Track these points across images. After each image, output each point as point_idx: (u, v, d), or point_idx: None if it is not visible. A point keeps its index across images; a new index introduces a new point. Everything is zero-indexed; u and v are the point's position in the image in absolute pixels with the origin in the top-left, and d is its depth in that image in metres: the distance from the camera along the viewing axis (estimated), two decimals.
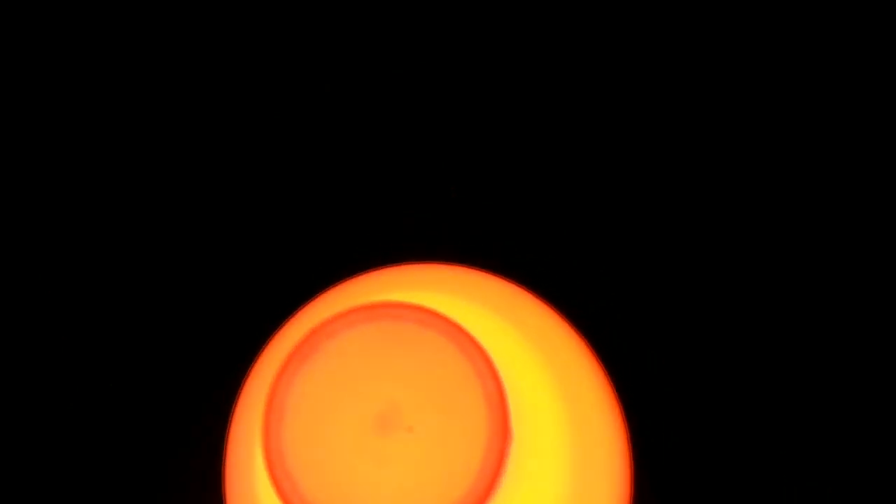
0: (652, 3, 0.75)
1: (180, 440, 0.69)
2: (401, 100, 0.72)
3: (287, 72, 0.69)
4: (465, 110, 0.73)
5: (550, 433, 0.55)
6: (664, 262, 0.72)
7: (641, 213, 0.73)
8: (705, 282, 0.71)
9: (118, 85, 0.72)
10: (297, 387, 0.51)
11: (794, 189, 0.72)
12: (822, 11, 0.75)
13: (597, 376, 0.59)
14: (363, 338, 0.51)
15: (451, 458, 0.50)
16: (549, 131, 0.72)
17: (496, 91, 0.73)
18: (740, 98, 0.73)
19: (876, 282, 0.70)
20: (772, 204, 0.72)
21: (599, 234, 0.72)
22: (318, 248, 0.71)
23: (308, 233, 0.71)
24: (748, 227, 0.72)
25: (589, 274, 0.72)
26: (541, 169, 0.74)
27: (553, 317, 0.61)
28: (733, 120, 0.73)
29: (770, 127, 0.73)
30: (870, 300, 0.70)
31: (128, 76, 0.72)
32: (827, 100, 0.72)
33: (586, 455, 0.56)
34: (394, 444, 0.50)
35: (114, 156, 0.70)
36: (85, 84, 0.71)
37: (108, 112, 0.72)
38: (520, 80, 0.73)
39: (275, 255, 0.72)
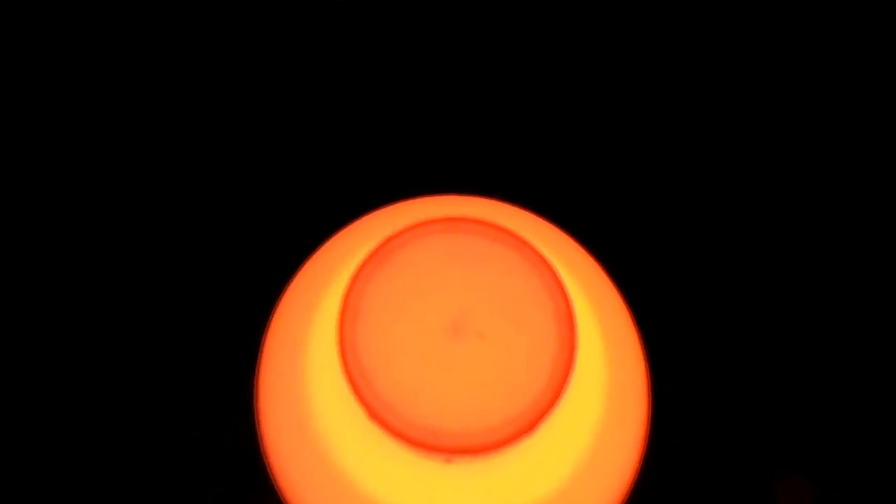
0: None
1: (216, 353, 0.69)
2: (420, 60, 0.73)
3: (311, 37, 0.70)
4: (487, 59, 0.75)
5: (595, 354, 0.57)
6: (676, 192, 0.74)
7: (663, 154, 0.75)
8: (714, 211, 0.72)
9: (124, 81, 0.72)
10: (371, 289, 0.53)
11: (803, 125, 0.74)
12: (823, 11, 0.78)
13: (622, 312, 0.62)
14: (436, 248, 0.53)
15: (520, 367, 0.52)
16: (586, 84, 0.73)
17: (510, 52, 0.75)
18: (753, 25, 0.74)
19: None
20: (785, 144, 0.74)
21: (625, 173, 0.73)
22: (358, 178, 0.72)
23: (353, 161, 0.71)
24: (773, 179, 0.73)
25: (605, 205, 0.73)
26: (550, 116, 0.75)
27: (582, 252, 0.63)
28: (752, 55, 0.75)
29: (779, 61, 0.75)
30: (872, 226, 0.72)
31: (137, 72, 0.73)
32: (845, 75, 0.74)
33: (618, 374, 0.58)
34: (465, 350, 0.52)
35: (130, 130, 0.71)
36: (88, 78, 0.72)
37: (117, 102, 0.72)
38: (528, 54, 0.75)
39: (313, 184, 0.73)
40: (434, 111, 0.73)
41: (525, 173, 0.74)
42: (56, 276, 0.68)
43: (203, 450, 0.66)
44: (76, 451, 0.64)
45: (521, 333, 0.52)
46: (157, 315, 0.68)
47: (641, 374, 0.60)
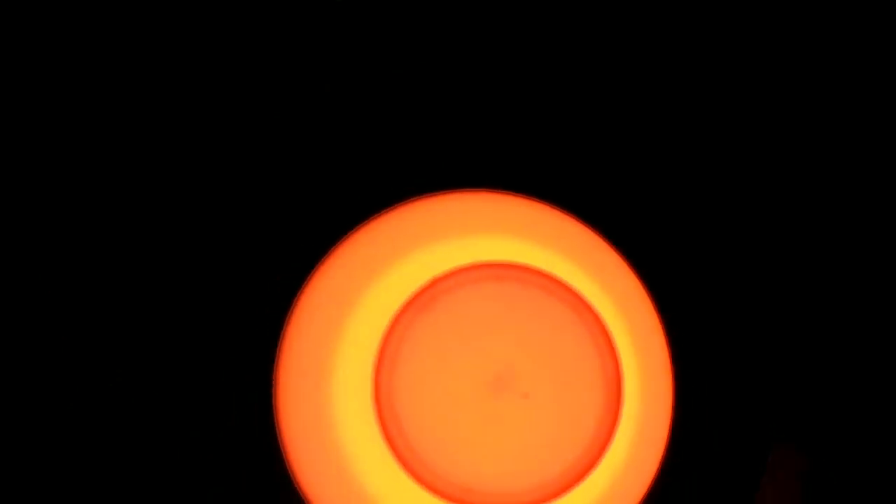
0: None
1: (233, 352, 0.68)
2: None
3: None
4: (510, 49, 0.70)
5: (634, 391, 0.55)
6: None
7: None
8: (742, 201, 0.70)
9: (125, 81, 0.69)
10: (410, 337, 0.50)
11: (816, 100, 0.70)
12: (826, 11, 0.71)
13: (649, 307, 0.58)
14: (485, 296, 0.51)
15: (559, 432, 0.50)
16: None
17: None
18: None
19: None
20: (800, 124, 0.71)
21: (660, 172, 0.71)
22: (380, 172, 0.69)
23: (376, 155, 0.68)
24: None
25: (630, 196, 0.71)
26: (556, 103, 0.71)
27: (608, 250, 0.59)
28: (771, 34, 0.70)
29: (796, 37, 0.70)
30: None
31: (138, 72, 0.69)
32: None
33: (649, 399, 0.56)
34: (506, 408, 0.50)
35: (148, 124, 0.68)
36: (89, 79, 0.68)
37: (118, 101, 0.69)
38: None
39: (332, 181, 0.69)
40: (451, 106, 0.69)
41: (562, 170, 0.70)
42: (68, 277, 0.67)
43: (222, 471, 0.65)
44: (82, 454, 0.64)
45: (564, 396, 0.50)
46: (178, 315, 0.67)
47: (667, 404, 0.57)
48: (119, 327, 0.66)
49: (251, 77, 0.68)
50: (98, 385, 0.65)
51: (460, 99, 0.67)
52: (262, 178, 0.65)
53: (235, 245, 0.65)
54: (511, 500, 0.50)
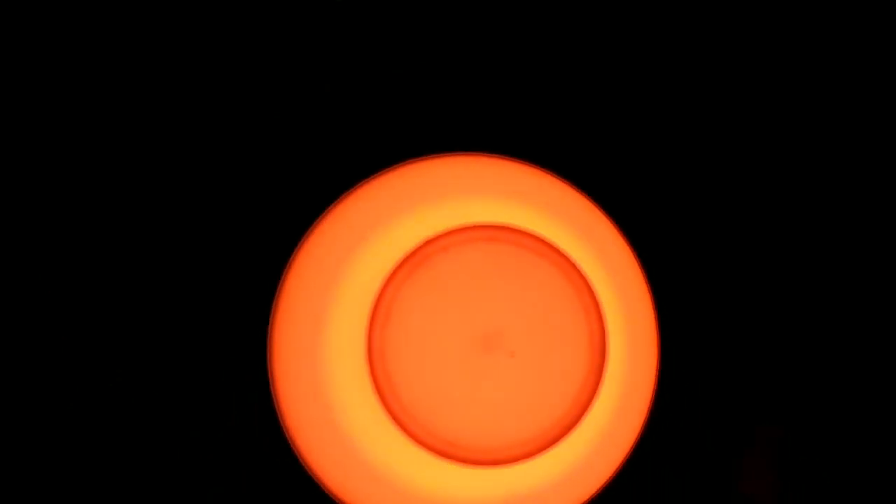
0: None
1: (230, 311, 0.69)
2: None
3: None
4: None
5: (620, 354, 0.55)
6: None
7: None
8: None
9: (125, 81, 0.69)
10: (403, 295, 0.52)
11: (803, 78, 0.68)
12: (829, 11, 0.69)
13: (636, 271, 0.58)
14: (477, 257, 0.52)
15: (544, 390, 0.51)
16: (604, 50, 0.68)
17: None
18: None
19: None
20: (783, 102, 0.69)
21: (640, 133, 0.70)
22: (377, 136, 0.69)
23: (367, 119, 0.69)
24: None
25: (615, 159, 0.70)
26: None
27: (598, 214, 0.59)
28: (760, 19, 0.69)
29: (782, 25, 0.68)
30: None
31: (136, 72, 0.70)
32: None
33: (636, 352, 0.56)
34: (494, 366, 0.52)
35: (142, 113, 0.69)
36: (89, 79, 0.69)
37: (120, 101, 0.69)
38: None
39: (326, 145, 0.70)
40: (454, 72, 0.69)
41: (560, 138, 0.69)
42: (56, 263, 0.68)
43: (219, 427, 0.66)
44: (77, 443, 0.66)
45: (550, 355, 0.51)
46: (177, 276, 0.68)
47: (651, 369, 0.57)
48: (109, 283, 0.68)
49: (251, 68, 0.69)
50: (93, 365, 0.68)
51: (463, 65, 0.67)
52: (261, 141, 0.67)
53: (233, 208, 0.67)
54: (495, 455, 0.51)
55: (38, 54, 0.72)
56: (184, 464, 0.64)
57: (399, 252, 0.53)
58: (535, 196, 0.53)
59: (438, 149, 0.56)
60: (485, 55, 0.68)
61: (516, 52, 0.67)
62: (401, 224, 0.53)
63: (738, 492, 0.64)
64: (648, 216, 0.66)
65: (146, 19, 0.71)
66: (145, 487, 0.65)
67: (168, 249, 0.66)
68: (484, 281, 0.52)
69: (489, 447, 0.51)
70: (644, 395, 0.53)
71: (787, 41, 0.69)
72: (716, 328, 0.64)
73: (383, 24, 0.69)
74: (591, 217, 0.54)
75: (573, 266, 0.51)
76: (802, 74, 0.70)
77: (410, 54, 0.67)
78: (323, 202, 0.55)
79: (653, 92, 0.68)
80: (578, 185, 0.54)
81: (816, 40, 0.70)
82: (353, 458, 0.54)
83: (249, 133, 0.67)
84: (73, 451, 0.67)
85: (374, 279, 0.53)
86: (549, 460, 0.52)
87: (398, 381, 0.52)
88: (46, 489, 0.67)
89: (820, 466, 0.64)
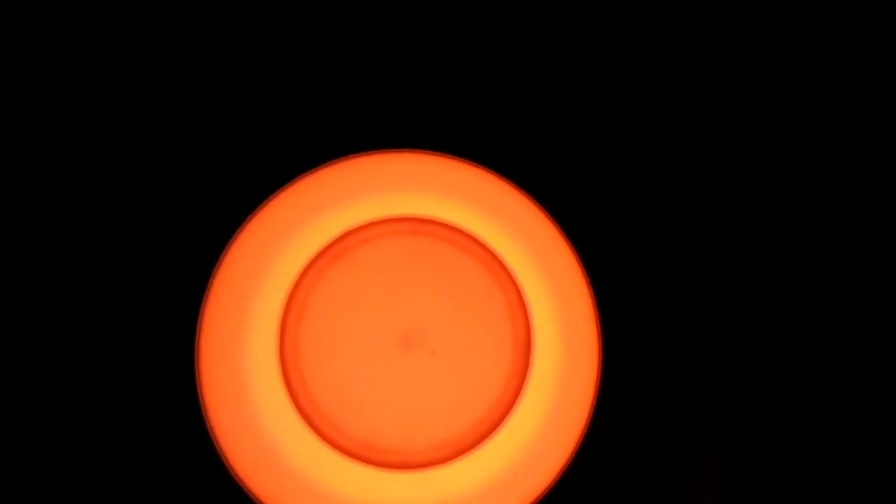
0: None
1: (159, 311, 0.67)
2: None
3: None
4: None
5: (548, 347, 0.53)
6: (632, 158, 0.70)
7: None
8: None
9: (125, 80, 0.68)
10: (320, 288, 0.49)
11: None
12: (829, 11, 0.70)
13: (575, 267, 0.56)
14: (398, 251, 0.50)
15: (466, 390, 0.49)
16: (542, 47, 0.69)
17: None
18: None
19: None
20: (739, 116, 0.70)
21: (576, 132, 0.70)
22: (302, 135, 0.68)
23: (296, 119, 0.68)
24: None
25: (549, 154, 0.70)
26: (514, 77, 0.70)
27: (536, 213, 0.58)
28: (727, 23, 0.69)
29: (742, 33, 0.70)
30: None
31: (134, 72, 0.68)
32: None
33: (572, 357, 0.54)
34: (413, 365, 0.49)
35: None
36: (91, 78, 0.68)
37: (121, 101, 0.68)
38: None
39: (257, 142, 0.69)
40: (374, 73, 0.68)
41: (494, 134, 0.69)
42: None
43: (145, 419, 0.64)
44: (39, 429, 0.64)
45: (473, 354, 0.49)
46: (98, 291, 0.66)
47: (592, 366, 0.56)
48: (41, 281, 0.65)
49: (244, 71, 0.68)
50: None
51: (382, 66, 0.66)
52: (190, 143, 0.65)
53: (162, 205, 0.64)
54: (413, 459, 0.49)
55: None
56: (97, 460, 0.61)
57: (319, 244, 0.50)
58: (473, 194, 0.52)
59: (377, 146, 0.54)
60: (428, 54, 0.66)
61: (461, 53, 0.66)
62: (328, 217, 0.50)
63: None
64: (593, 218, 0.65)
65: (135, 17, 0.69)
66: (69, 489, 0.61)
67: (95, 241, 0.63)
68: (405, 275, 0.50)
69: (407, 450, 0.49)
70: (582, 402, 0.51)
71: (737, 34, 0.69)
72: (664, 338, 0.63)
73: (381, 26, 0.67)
74: (531, 217, 0.52)
75: (498, 261, 0.49)
76: (746, 63, 0.69)
77: (356, 53, 0.66)
78: (255, 201, 0.53)
79: (594, 89, 0.67)
80: (520, 185, 0.53)
81: (777, 35, 0.70)
82: (274, 461, 0.51)
83: (181, 130, 0.65)
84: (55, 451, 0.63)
85: (293, 272, 0.50)
86: (477, 466, 0.50)
87: (311, 380, 0.49)
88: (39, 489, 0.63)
89: (769, 492, 0.64)
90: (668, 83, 0.68)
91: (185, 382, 0.53)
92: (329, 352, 0.49)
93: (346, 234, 0.50)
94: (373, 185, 0.52)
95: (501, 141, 0.67)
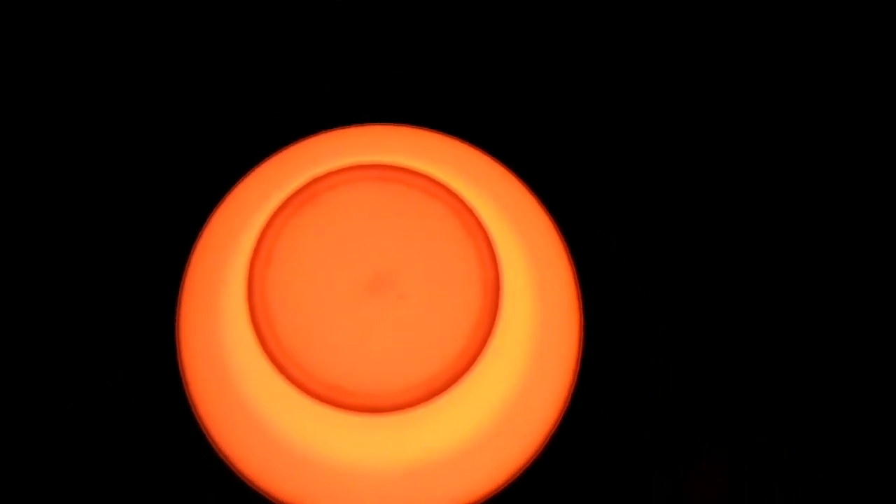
0: None
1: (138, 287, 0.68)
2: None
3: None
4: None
5: (523, 304, 0.54)
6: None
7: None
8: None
9: (124, 80, 0.70)
10: (288, 233, 0.50)
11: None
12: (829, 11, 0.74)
13: (554, 239, 0.57)
14: (365, 196, 0.50)
15: (435, 332, 0.49)
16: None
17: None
18: None
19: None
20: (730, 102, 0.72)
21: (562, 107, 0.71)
22: (287, 108, 0.69)
23: (279, 92, 0.69)
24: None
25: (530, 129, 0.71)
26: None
27: (517, 185, 0.59)
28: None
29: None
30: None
31: (132, 72, 0.71)
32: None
33: (546, 318, 0.55)
34: (383, 309, 0.49)
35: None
36: (94, 76, 0.70)
37: (120, 100, 0.70)
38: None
39: (240, 113, 0.70)
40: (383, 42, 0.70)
41: (472, 107, 0.70)
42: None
43: (126, 387, 0.65)
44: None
45: (442, 298, 0.49)
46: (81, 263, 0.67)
47: (573, 320, 0.56)
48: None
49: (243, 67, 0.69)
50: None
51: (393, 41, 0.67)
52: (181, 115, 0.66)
53: (154, 166, 0.65)
54: (383, 401, 0.49)
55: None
56: (70, 423, 0.60)
57: (287, 193, 0.50)
58: (448, 158, 0.53)
59: (341, 121, 0.55)
60: (414, 36, 0.68)
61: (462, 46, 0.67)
62: (301, 177, 0.51)
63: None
64: (591, 218, 0.66)
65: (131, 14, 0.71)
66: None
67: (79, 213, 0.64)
68: (373, 221, 0.50)
69: (377, 392, 0.49)
70: (567, 354, 0.51)
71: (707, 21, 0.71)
72: (664, 337, 0.63)
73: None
74: (514, 192, 0.53)
75: (466, 207, 0.50)
76: (749, 58, 0.71)
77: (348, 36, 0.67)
78: (241, 171, 0.54)
79: (575, 62, 0.68)
80: (505, 161, 0.54)
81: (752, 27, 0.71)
82: (244, 411, 0.51)
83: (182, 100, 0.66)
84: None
85: (261, 220, 0.50)
86: (451, 411, 0.50)
87: (279, 324, 0.49)
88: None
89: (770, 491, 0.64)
90: (668, 70, 0.69)
91: (166, 341, 0.53)
92: (298, 298, 0.49)
93: (314, 181, 0.50)
94: (349, 152, 0.53)
95: (506, 133, 0.68)
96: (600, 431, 0.65)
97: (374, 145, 0.55)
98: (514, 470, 0.53)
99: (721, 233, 0.69)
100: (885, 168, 0.70)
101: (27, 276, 0.66)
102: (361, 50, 0.69)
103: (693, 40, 0.71)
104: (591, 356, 0.58)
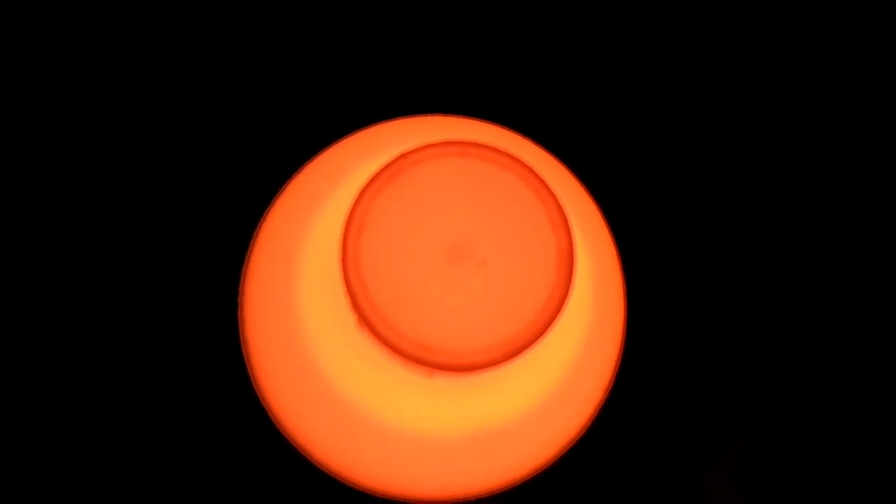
0: None
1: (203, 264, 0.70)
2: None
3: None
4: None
5: (581, 287, 0.58)
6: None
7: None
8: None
9: (123, 79, 0.72)
10: (379, 204, 0.54)
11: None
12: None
13: (603, 229, 0.62)
14: (448, 170, 0.54)
15: (513, 296, 0.53)
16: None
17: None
18: None
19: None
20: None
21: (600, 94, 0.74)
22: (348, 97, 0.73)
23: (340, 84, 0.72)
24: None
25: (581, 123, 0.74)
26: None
27: (564, 171, 0.63)
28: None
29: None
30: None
31: (131, 71, 0.73)
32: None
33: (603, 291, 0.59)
34: (463, 273, 0.53)
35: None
36: (94, 75, 0.72)
37: (120, 100, 0.72)
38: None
39: (303, 103, 0.73)
40: (444, 38, 0.74)
41: (535, 107, 0.74)
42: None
43: (189, 354, 0.67)
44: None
45: (519, 264, 0.54)
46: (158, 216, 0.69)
47: (619, 306, 0.61)
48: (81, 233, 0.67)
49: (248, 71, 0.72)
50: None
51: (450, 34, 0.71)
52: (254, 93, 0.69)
53: (227, 138, 0.69)
54: (466, 358, 0.53)
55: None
56: (137, 398, 0.63)
57: (375, 169, 0.55)
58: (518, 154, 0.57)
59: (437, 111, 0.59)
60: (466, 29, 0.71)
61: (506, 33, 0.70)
62: (381, 158, 0.55)
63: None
64: (628, 194, 0.69)
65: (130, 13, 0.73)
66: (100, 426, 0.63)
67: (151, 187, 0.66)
68: (454, 193, 0.54)
69: (460, 351, 0.53)
70: (614, 325, 0.56)
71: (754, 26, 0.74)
72: (690, 329, 0.66)
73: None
74: (559, 173, 0.58)
75: (541, 181, 0.54)
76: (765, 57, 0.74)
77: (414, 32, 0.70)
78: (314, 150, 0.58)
79: (624, 60, 0.71)
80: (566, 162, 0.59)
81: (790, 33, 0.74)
82: (313, 372, 0.55)
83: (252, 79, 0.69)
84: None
85: (354, 191, 0.55)
86: (531, 370, 0.54)
87: (371, 288, 0.53)
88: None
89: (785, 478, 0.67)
90: (712, 65, 0.72)
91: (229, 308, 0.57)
92: (387, 264, 0.53)
93: (401, 157, 0.54)
94: (423, 136, 0.57)
95: (557, 126, 0.71)
96: (643, 406, 0.69)
97: (440, 131, 0.59)
98: (565, 443, 0.57)
99: (759, 230, 0.72)
100: (888, 167, 0.73)
101: (99, 249, 0.69)
102: (435, 47, 0.72)
103: (739, 41, 0.74)
104: (632, 339, 0.63)
